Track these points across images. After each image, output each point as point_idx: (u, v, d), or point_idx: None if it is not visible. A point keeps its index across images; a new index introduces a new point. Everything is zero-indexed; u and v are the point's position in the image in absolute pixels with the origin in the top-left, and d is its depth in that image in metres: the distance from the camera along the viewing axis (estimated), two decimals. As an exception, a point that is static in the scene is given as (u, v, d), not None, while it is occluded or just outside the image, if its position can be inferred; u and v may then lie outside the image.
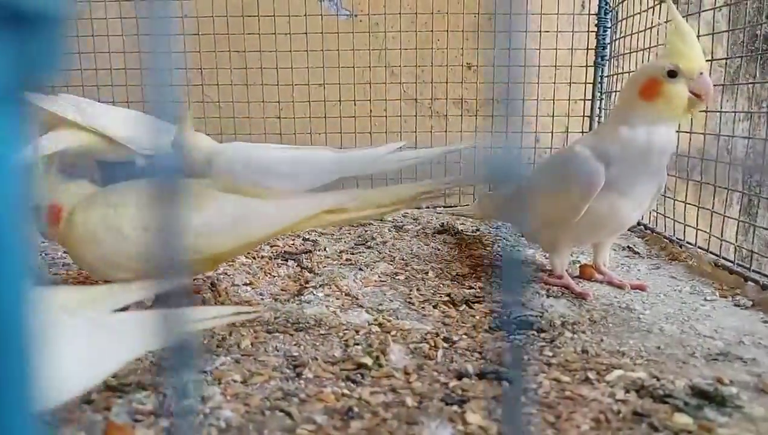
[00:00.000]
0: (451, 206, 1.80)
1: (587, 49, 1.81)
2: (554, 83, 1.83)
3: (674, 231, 1.32)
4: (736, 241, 1.30)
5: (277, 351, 0.81)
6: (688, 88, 0.91)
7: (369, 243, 1.39)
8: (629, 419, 0.61)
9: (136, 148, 1.63)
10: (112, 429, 0.57)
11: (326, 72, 1.84)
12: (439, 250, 1.35)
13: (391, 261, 1.26)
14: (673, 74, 0.90)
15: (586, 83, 1.82)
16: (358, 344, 0.82)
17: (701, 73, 0.90)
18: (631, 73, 1.11)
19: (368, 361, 0.76)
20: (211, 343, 0.84)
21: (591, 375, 0.71)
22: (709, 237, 1.19)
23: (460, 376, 0.71)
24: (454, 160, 1.92)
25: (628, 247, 1.34)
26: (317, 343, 0.83)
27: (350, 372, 0.74)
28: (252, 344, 0.83)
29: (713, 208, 1.17)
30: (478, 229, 1.52)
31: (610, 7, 1.79)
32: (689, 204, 1.23)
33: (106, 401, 0.65)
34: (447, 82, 1.88)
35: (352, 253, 1.31)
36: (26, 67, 0.23)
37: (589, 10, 1.84)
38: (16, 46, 0.22)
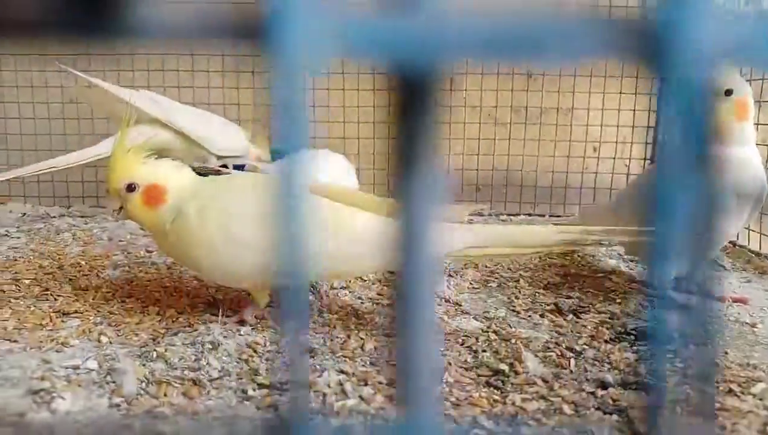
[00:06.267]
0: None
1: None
2: (620, 93, 1.84)
3: (760, 245, 1.33)
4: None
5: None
6: None
7: (447, 249, 1.39)
8: (795, 433, 0.62)
9: (210, 148, 1.64)
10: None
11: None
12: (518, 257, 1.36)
13: (475, 267, 1.26)
14: None
15: (651, 94, 1.83)
16: (485, 351, 0.82)
17: None
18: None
19: (504, 367, 0.76)
20: (334, 345, 0.85)
21: (734, 387, 0.72)
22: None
23: (604, 386, 0.72)
24: (505, 168, 1.93)
25: (713, 260, 1.34)
26: (441, 349, 0.84)
27: (488, 378, 0.75)
28: (375, 348, 0.84)
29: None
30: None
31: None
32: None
33: (266, 398, 0.67)
34: (511, 91, 1.88)
35: (434, 259, 1.32)
36: None
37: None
38: None
